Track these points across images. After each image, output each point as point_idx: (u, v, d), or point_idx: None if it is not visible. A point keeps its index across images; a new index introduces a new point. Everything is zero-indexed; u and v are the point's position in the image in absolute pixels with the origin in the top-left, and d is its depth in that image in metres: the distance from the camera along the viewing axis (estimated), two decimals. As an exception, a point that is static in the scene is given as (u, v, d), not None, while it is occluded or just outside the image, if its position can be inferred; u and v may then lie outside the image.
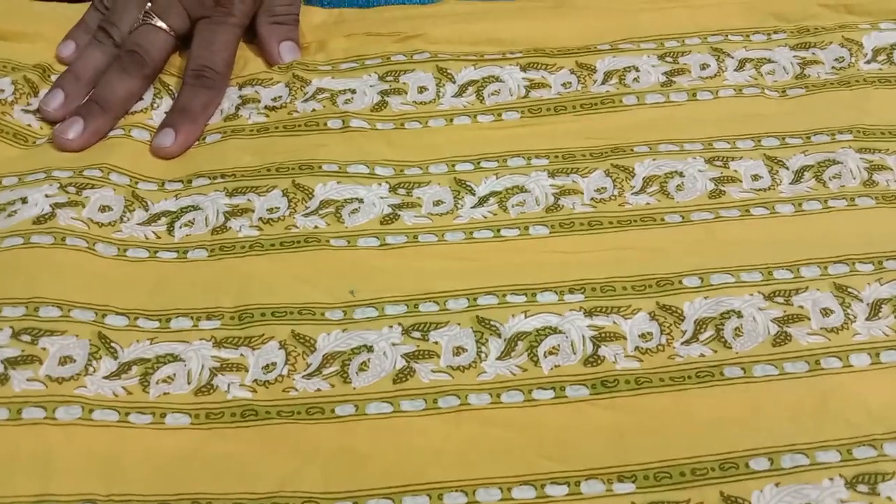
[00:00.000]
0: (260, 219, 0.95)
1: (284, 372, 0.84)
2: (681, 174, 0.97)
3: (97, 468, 0.78)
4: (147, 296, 0.89)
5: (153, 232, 0.94)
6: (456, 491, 0.76)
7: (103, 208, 0.95)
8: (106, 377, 0.83)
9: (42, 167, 0.98)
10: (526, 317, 0.87)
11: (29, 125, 1.04)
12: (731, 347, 0.84)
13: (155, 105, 1.07)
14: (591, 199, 0.95)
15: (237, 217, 0.95)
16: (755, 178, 0.97)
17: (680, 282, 0.88)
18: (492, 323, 0.87)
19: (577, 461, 0.77)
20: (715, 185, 0.96)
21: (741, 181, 0.96)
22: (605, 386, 0.82)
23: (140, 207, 0.96)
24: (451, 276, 0.90)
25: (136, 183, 0.98)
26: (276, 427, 0.80)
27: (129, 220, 0.95)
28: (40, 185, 0.96)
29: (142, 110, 1.06)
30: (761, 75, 1.08)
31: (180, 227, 0.94)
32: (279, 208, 0.96)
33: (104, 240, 0.93)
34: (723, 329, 0.85)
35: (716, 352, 0.84)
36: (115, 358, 0.84)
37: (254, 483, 0.77)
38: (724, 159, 0.98)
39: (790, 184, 0.97)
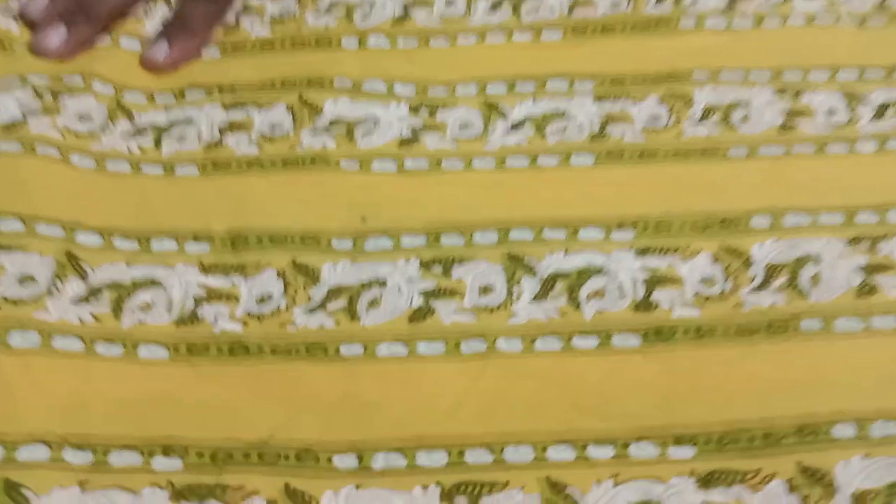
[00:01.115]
0: (261, 135, 0.83)
1: (282, 305, 0.72)
2: (746, 105, 0.85)
3: (55, 404, 0.66)
4: (127, 214, 0.76)
5: (138, 145, 0.82)
6: (480, 447, 0.64)
7: (82, 117, 0.83)
8: (72, 301, 0.71)
9: (16, 72, 0.87)
10: (566, 254, 0.75)
11: (8, 29, 0.93)
12: (807, 297, 0.72)
13: (149, 14, 0.95)
14: (644, 128, 0.83)
15: (234, 133, 0.83)
16: (830, 112, 0.85)
17: (747, 222, 0.76)
18: (525, 260, 0.75)
19: (625, 420, 0.66)
20: (784, 118, 0.84)
21: (814, 116, 0.85)
22: (658, 336, 0.70)
23: (124, 118, 0.84)
24: (479, 206, 0.78)
25: (122, 93, 0.86)
26: (270, 367, 0.68)
27: (110, 131, 0.83)
28: (12, 90, 0.84)
29: (134, 19, 0.95)
30: (836, 3, 0.97)
31: (169, 142, 0.82)
32: (283, 125, 0.84)
33: (81, 151, 0.80)
34: (798, 276, 0.73)
35: (790, 301, 0.71)
36: (85, 280, 0.72)
37: (240, 429, 0.65)
38: (795, 91, 0.87)
39: (871, 121, 0.85)
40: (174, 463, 0.63)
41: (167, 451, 0.64)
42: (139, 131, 0.84)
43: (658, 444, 0.65)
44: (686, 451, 0.65)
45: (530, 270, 0.75)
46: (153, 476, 0.63)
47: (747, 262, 0.75)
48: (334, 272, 0.75)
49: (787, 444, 0.65)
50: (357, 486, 0.63)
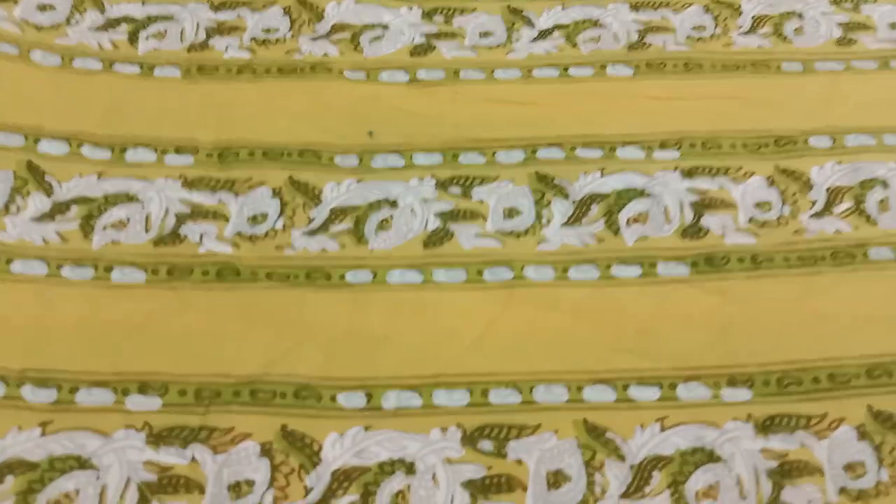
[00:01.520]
0: (253, 39, 0.73)
1: (279, 226, 0.63)
2: (800, 15, 0.76)
3: (13, 336, 0.56)
4: (97, 119, 0.66)
5: (110, 41, 0.71)
6: (506, 387, 0.56)
7: (43, 7, 0.72)
8: (34, 219, 0.61)
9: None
10: (602, 175, 0.66)
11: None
12: (876, 223, 0.63)
13: None
14: (688, 37, 0.74)
15: (223, 35, 0.72)
16: (893, 26, 0.77)
17: (805, 141, 0.67)
18: (556, 181, 0.66)
19: (672, 358, 0.57)
20: (843, 31, 0.75)
21: (875, 29, 0.76)
22: (710, 265, 0.61)
23: (94, 9, 0.72)
24: (503, 122, 0.68)
25: (92, -17, 0.76)
26: (265, 293, 0.59)
27: (78, 23, 0.72)
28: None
29: None
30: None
31: (146, 39, 0.71)
32: (278, 29, 0.74)
33: (43, 47, 0.69)
34: (864, 201, 0.64)
35: (857, 228, 0.63)
36: (50, 195, 0.62)
37: (229, 363, 0.56)
38: (854, 2, 0.78)
39: (939, 37, 0.78)
40: (152, 402, 0.55)
41: (144, 388, 0.55)
42: (111, 24, 0.72)
43: (710, 385, 0.57)
44: (742, 394, 0.57)
45: (562, 192, 0.66)
46: (127, 416, 0.54)
47: (806, 186, 0.66)
48: (337, 191, 0.66)
49: (856, 386, 0.57)
50: (366, 428, 0.54)
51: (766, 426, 0.55)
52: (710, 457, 0.54)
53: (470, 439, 0.54)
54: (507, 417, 0.55)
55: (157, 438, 0.53)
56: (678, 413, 0.55)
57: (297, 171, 0.65)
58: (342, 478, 0.53)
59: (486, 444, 0.54)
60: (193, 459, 0.53)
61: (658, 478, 0.53)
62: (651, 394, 0.56)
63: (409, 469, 0.53)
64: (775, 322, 0.59)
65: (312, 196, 0.64)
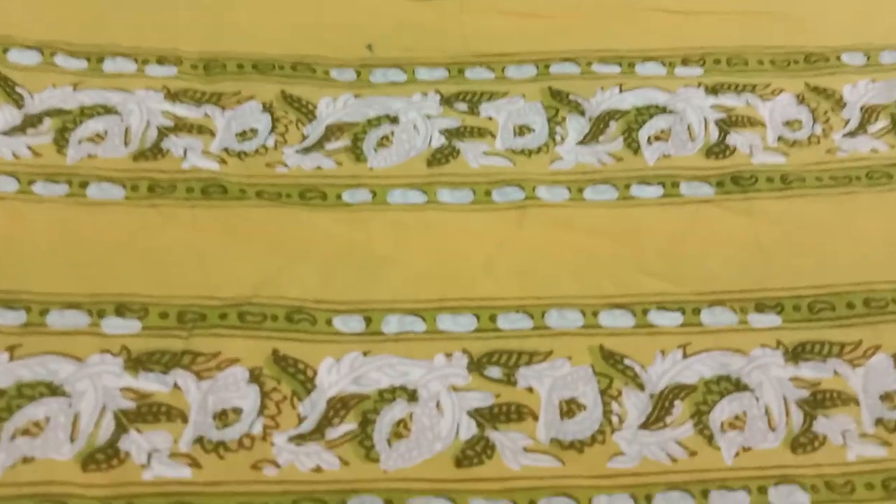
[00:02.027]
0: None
1: (269, 143, 0.58)
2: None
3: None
4: (72, 26, 0.61)
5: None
6: (516, 311, 0.52)
7: None
8: (4, 132, 0.56)
9: None
10: (621, 91, 0.61)
11: None
12: (914, 143, 0.60)
13: None
14: (709, -53, 0.70)
15: (208, -60, 0.69)
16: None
17: (837, 58, 0.63)
18: (571, 97, 0.61)
19: (696, 281, 0.53)
20: (877, -55, 0.71)
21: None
22: (737, 184, 0.57)
23: None
24: (514, 35, 0.63)
25: None
26: (254, 211, 0.54)
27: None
28: None
29: None
30: None
31: (124, -60, 0.67)
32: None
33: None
34: (901, 120, 0.62)
35: (893, 148, 0.58)
36: (20, 107, 0.57)
37: (215, 284, 0.51)
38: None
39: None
40: (130, 325, 0.50)
41: (121, 310, 0.50)
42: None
43: (736, 310, 0.52)
44: (770, 319, 0.52)
45: (577, 108, 0.60)
46: (103, 340, 0.49)
47: (839, 104, 0.61)
48: (333, 107, 0.60)
49: (893, 311, 0.52)
50: (364, 353, 0.50)
51: (797, 353, 0.51)
52: (737, 385, 0.50)
53: (477, 366, 0.50)
54: (518, 343, 0.51)
55: (136, 364, 0.49)
56: (702, 339, 0.51)
57: (290, 85, 0.60)
58: (339, 405, 0.49)
59: (495, 371, 0.50)
60: (176, 386, 0.48)
61: (680, 407, 0.49)
62: (673, 319, 0.51)
63: (412, 396, 0.49)
64: (806, 244, 0.55)
65: (306, 112, 0.59)
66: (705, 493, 0.47)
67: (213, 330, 0.50)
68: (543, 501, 0.46)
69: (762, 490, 0.47)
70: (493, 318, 0.52)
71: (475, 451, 0.48)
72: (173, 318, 0.50)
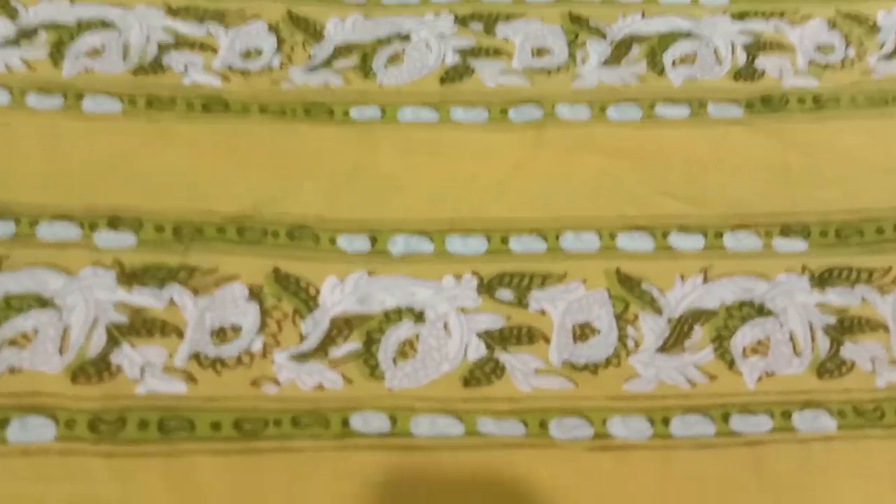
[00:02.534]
0: None
1: (275, 63, 0.55)
2: None
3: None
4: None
5: None
6: (529, 233, 0.49)
7: None
8: (-1, 45, 0.56)
9: None
10: (643, 17, 0.58)
11: None
12: (952, 67, 0.58)
13: None
14: None
15: None
16: None
17: (871, -18, 0.61)
18: (591, 22, 0.57)
19: (720, 204, 0.50)
20: None
21: None
22: (767, 105, 0.54)
23: None
24: (529, -42, 0.63)
25: None
26: (257, 127, 0.52)
27: None
28: None
29: None
30: None
31: None
32: None
33: None
34: (938, 44, 0.59)
35: (931, 72, 0.57)
36: (14, 19, 0.55)
37: (214, 199, 0.49)
38: None
39: None
40: (124, 238, 0.48)
41: (115, 223, 0.48)
42: None
43: (761, 234, 0.50)
44: (796, 244, 0.50)
45: (598, 32, 0.57)
46: (95, 253, 0.47)
47: (873, 29, 0.58)
48: (342, 27, 0.58)
49: (927, 239, 0.52)
50: (370, 273, 0.48)
51: (823, 279, 0.48)
52: (760, 311, 0.47)
53: (487, 288, 0.48)
54: (530, 266, 0.48)
55: (130, 278, 0.47)
56: (724, 264, 0.48)
57: (296, 4, 0.57)
58: (342, 324, 0.46)
59: (506, 293, 0.48)
60: (171, 301, 0.46)
61: (700, 332, 0.47)
62: (695, 242, 0.49)
63: (419, 317, 0.47)
64: (838, 168, 0.52)
65: (313, 32, 0.57)
66: (725, 417, 0.44)
67: (210, 245, 0.48)
68: (555, 422, 0.44)
69: (786, 414, 0.45)
70: (504, 240, 0.49)
71: (484, 372, 0.45)
72: (169, 231, 0.48)
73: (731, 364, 0.46)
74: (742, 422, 0.44)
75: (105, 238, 0.48)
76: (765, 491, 0.43)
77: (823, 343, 0.47)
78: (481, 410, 0.44)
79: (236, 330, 0.46)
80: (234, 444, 0.43)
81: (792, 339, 0.47)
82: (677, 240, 0.49)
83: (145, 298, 0.46)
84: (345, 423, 0.43)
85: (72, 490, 0.41)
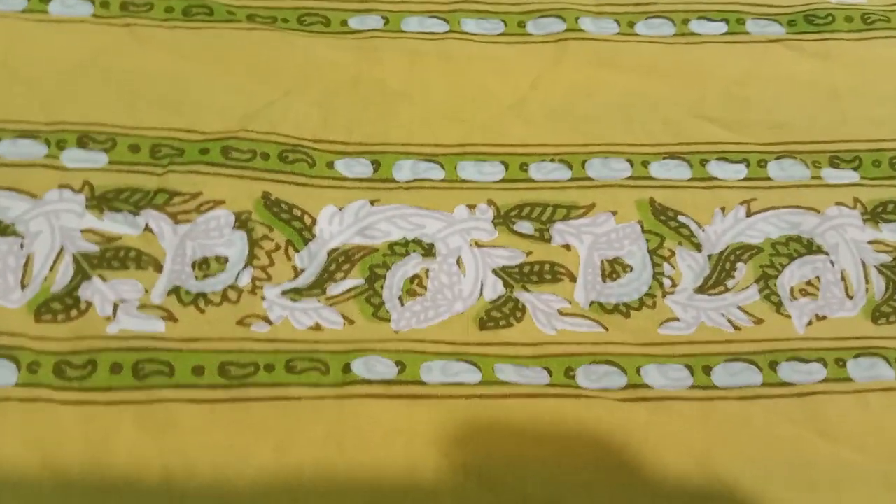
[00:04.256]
0: None
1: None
2: None
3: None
4: None
5: None
6: (552, 160, 0.44)
7: None
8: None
9: None
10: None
11: None
12: None
13: None
14: None
15: None
16: None
17: None
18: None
19: (763, 130, 0.45)
20: None
21: None
22: (811, 23, 0.49)
23: None
24: None
25: None
26: (244, 34, 0.46)
27: None
28: None
29: None
30: None
31: None
32: None
33: None
34: None
35: None
36: None
37: (194, 115, 0.43)
38: None
39: None
40: (94, 157, 0.42)
41: (84, 140, 0.42)
42: None
43: (808, 163, 0.45)
44: (847, 175, 0.45)
45: (623, -60, 0.53)
46: (62, 174, 0.42)
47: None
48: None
49: None
50: (372, 202, 0.42)
51: (877, 214, 0.44)
52: (809, 248, 0.43)
53: (505, 219, 0.43)
54: (553, 195, 0.43)
55: (101, 202, 0.41)
56: (769, 195, 0.44)
57: None
58: (342, 259, 0.41)
59: (526, 226, 0.43)
60: (147, 229, 0.41)
61: (743, 270, 0.42)
62: (735, 171, 0.44)
63: (428, 251, 0.42)
64: (889, 92, 0.47)
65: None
66: (773, 365, 0.40)
67: (192, 167, 0.42)
68: (582, 370, 0.40)
69: (840, 362, 0.40)
70: (524, 167, 0.44)
71: (502, 313, 0.41)
72: (146, 151, 0.43)
73: (778, 306, 0.41)
74: (792, 370, 0.40)
75: (73, 157, 0.42)
76: (817, 447, 0.39)
77: (879, 284, 0.42)
78: (499, 356, 0.39)
79: (221, 262, 0.41)
80: (218, 392, 0.38)
81: (844, 279, 0.42)
82: (716, 168, 0.44)
83: (118, 226, 0.41)
84: (346, 368, 0.38)
85: (35, 442, 0.36)
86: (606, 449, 0.38)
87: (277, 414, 0.38)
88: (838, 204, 0.44)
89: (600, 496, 0.37)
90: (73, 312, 0.39)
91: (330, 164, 0.44)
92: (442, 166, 0.44)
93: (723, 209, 0.43)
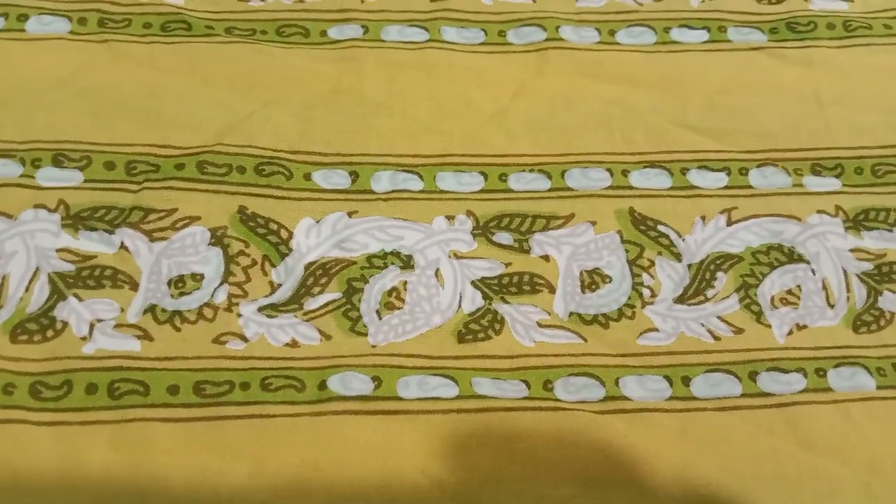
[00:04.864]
0: None
1: (242, -17, 0.50)
2: None
3: None
4: None
5: None
6: (531, 170, 0.43)
7: None
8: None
9: None
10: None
11: None
12: None
13: None
14: None
15: None
16: None
17: None
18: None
19: (745, 138, 0.45)
20: None
21: None
22: (793, 30, 0.48)
23: None
24: None
25: None
26: (222, 48, 0.45)
27: None
28: None
29: None
30: None
31: None
32: None
33: None
34: None
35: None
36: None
37: (170, 130, 0.43)
38: None
39: None
40: (69, 176, 0.42)
41: (59, 159, 0.42)
42: None
43: (790, 171, 0.44)
44: (829, 182, 0.44)
45: (603, -50, 0.53)
46: (37, 194, 0.41)
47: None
48: (316, -62, 0.53)
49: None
50: (350, 214, 0.42)
51: (859, 221, 0.44)
52: (790, 256, 0.42)
53: (484, 230, 0.42)
54: (532, 206, 0.43)
55: (76, 220, 0.41)
56: (750, 203, 0.43)
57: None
58: (319, 272, 0.41)
59: (505, 237, 0.43)
60: (123, 247, 0.41)
61: (723, 280, 0.42)
62: (716, 180, 0.44)
63: (406, 263, 0.42)
64: (871, 99, 0.47)
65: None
66: (753, 375, 0.40)
67: (167, 183, 0.42)
68: (560, 382, 0.39)
69: (820, 372, 0.40)
70: (503, 178, 0.44)
71: (480, 326, 0.40)
72: (121, 168, 0.42)
73: (758, 315, 0.41)
74: (772, 381, 0.39)
75: (48, 176, 0.42)
76: (797, 458, 0.38)
77: (860, 292, 0.42)
78: (477, 369, 0.39)
79: (197, 279, 0.41)
80: (193, 411, 0.37)
81: (825, 288, 0.42)
82: (697, 177, 0.44)
83: (94, 244, 0.41)
84: (322, 385, 0.38)
85: (10, 464, 0.36)
86: (585, 462, 0.38)
87: (253, 432, 0.37)
88: (820, 212, 0.44)
89: (579, 510, 0.37)
90: (49, 333, 0.39)
91: (307, 176, 0.43)
92: (421, 177, 0.44)
93: (703, 218, 0.43)
